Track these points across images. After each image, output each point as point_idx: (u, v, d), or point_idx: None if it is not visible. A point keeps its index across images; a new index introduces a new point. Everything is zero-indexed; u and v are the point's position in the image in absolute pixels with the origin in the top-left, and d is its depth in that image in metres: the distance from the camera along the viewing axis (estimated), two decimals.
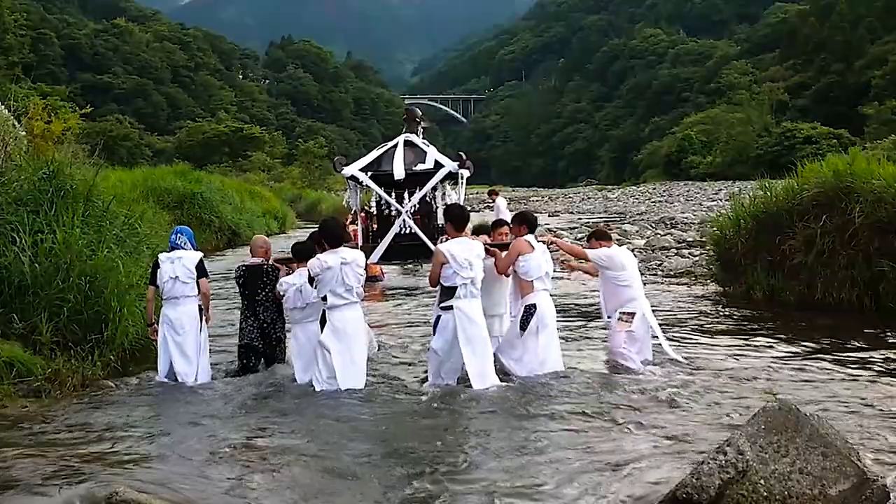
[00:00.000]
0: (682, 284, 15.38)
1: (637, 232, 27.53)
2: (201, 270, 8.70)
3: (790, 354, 9.26)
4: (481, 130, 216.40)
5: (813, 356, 9.12)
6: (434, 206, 8.78)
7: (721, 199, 43.99)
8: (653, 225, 31.25)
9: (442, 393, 7.83)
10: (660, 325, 9.14)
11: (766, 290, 13.11)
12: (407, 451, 6.11)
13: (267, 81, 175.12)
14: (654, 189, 79.48)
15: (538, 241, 8.56)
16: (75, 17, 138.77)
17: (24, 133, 17.21)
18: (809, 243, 12.48)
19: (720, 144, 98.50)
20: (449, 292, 7.88)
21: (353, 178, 8.78)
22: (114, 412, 7.47)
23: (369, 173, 8.76)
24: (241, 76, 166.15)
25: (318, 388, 7.97)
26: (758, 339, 10.21)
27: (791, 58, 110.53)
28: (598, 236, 9.26)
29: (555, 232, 28.12)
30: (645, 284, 15.24)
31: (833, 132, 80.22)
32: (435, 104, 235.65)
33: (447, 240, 8.14)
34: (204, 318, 8.80)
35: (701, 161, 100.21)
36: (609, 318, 8.95)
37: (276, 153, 76.76)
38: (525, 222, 8.59)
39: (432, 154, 8.79)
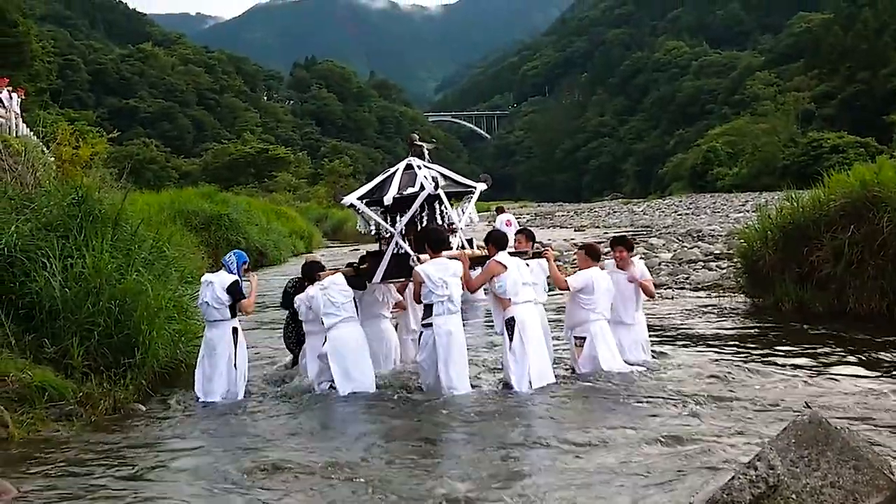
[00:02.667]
0: (711, 297, 15.28)
1: (664, 245, 27.41)
2: (233, 293, 8.74)
3: (820, 366, 9.16)
4: (505, 146, 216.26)
5: (843, 368, 9.02)
6: (418, 227, 9.01)
7: (748, 211, 43.69)
8: (679, 238, 31.11)
9: (445, 403, 8.06)
10: (688, 337, 9.07)
11: (795, 301, 12.97)
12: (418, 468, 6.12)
13: (291, 102, 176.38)
14: (680, 202, 79.17)
15: (526, 257, 9.13)
16: (101, 43, 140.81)
17: (52, 159, 17.46)
18: (838, 254, 12.36)
19: (746, 156, 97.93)
20: (429, 310, 8.47)
21: (352, 206, 9.25)
22: (145, 435, 7.55)
23: (365, 200, 9.19)
24: (265, 97, 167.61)
25: (319, 391, 8.75)
26: (788, 350, 10.10)
27: (816, 67, 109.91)
28: (590, 254, 9.32)
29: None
30: (672, 298, 15.32)
31: (860, 140, 79.51)
32: (459, 121, 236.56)
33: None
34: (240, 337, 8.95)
35: (727, 173, 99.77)
36: (569, 331, 9.31)
37: (301, 173, 77.21)
38: (493, 242, 8.86)
39: (419, 178, 9.11)
